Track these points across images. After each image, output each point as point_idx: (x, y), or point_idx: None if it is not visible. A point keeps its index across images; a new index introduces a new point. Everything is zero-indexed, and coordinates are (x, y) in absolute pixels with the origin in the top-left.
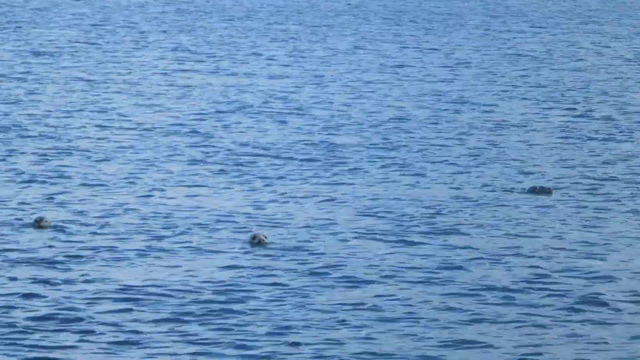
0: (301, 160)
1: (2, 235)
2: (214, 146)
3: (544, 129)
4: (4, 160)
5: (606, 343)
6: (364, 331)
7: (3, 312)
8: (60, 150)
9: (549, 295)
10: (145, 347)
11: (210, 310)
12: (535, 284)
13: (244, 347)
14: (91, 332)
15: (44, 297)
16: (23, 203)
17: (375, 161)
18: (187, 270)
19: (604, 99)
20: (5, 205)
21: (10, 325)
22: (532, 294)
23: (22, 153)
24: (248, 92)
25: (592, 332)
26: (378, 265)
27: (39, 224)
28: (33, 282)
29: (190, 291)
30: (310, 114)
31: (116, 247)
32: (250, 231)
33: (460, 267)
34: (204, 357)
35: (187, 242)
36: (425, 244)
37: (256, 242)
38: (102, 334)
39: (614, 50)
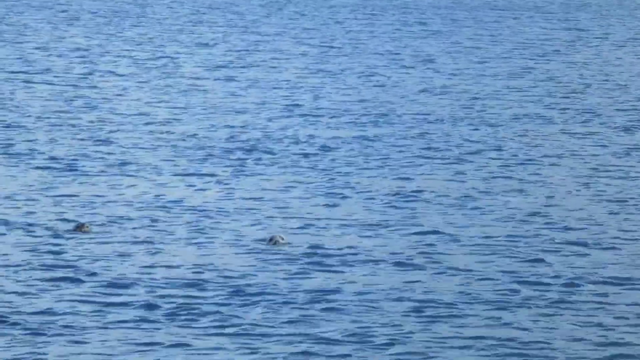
0: (322, 157)
1: (43, 241)
2: (240, 144)
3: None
4: (37, 164)
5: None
6: (383, 323)
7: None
8: (92, 150)
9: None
10: (164, 345)
11: (225, 306)
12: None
13: (260, 343)
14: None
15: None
16: (61, 206)
17: (389, 156)
18: (209, 266)
19: (619, 94)
20: (45, 210)
21: (67, 326)
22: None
23: (59, 156)
24: (268, 89)
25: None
26: (393, 262)
27: (80, 229)
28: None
29: (210, 288)
30: (330, 111)
31: (144, 247)
32: (268, 231)
33: (475, 257)
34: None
35: (209, 239)
36: (438, 233)
37: (273, 243)
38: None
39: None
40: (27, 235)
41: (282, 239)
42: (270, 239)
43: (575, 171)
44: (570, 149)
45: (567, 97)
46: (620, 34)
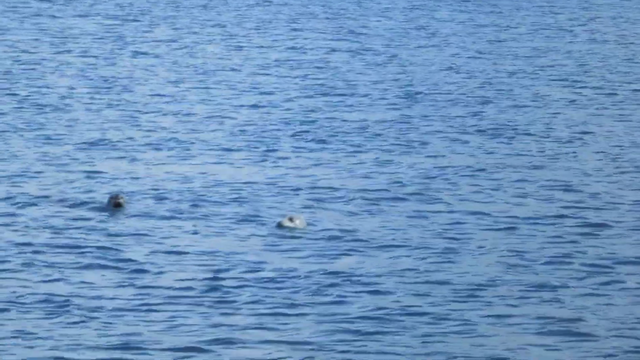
0: (349, 138)
1: (77, 213)
2: (266, 128)
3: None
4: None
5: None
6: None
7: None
8: (121, 127)
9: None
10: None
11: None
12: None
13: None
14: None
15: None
16: (95, 179)
17: (401, 139)
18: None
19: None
20: (78, 183)
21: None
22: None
23: (91, 129)
24: (295, 70)
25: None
26: (417, 244)
27: (115, 201)
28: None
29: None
30: (355, 92)
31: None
32: (281, 214)
33: (505, 238)
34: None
35: (237, 218)
36: (465, 213)
37: (282, 225)
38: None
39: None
40: (63, 211)
41: (292, 220)
42: (279, 224)
43: (604, 149)
44: (597, 127)
45: (589, 76)
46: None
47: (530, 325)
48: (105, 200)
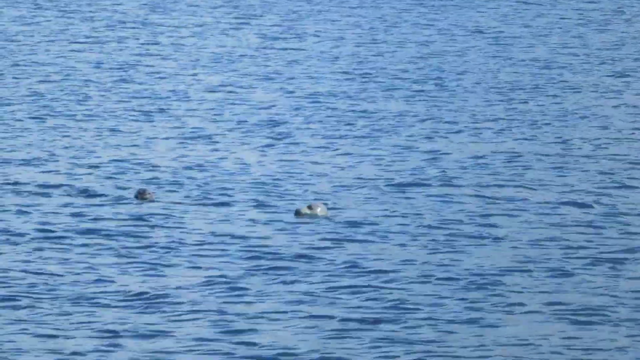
0: (359, 127)
1: (101, 202)
2: (281, 118)
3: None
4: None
5: None
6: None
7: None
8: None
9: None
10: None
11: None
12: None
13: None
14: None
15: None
16: (117, 167)
17: (419, 127)
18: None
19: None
20: (102, 171)
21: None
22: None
23: (116, 120)
24: (321, 59)
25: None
26: (435, 234)
27: (141, 196)
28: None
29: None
30: (382, 81)
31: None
32: (303, 201)
33: (526, 228)
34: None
35: (267, 207)
36: (456, 200)
37: (299, 214)
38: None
39: None
40: (86, 200)
41: (311, 208)
42: (301, 209)
43: (629, 136)
44: (624, 115)
45: (621, 65)
46: None
47: (549, 314)
48: (129, 189)
